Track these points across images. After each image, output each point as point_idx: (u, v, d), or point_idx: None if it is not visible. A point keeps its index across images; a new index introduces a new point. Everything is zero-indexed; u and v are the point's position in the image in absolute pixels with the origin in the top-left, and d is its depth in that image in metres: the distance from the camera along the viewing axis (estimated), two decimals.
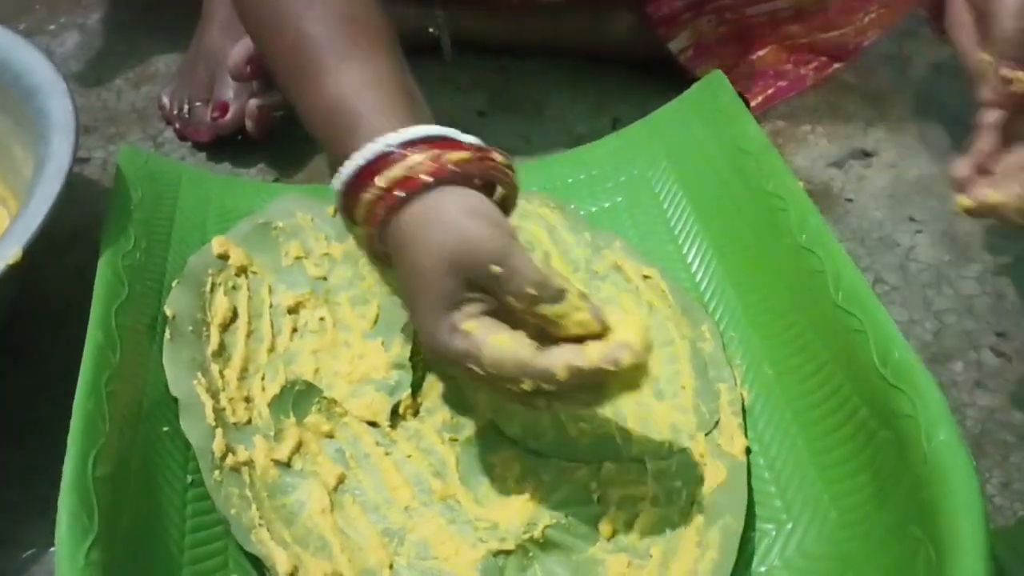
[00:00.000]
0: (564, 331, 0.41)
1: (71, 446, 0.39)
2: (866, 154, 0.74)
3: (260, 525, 0.45)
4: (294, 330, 0.55)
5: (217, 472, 0.46)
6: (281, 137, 0.72)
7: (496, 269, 0.40)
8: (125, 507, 0.40)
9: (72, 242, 0.62)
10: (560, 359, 0.39)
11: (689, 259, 0.61)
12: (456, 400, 0.52)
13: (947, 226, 0.68)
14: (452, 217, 0.42)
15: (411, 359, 0.53)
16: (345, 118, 0.46)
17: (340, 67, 0.47)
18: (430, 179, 0.43)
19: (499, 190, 0.47)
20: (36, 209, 0.49)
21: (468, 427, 0.51)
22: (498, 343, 0.40)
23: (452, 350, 0.42)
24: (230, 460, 0.47)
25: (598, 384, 0.40)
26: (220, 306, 0.53)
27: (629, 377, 0.40)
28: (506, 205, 0.48)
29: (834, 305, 0.48)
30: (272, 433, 0.49)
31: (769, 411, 0.51)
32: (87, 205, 0.65)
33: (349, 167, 0.45)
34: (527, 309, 0.41)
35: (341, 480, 0.49)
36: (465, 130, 0.46)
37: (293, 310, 0.56)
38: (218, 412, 0.48)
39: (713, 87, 0.65)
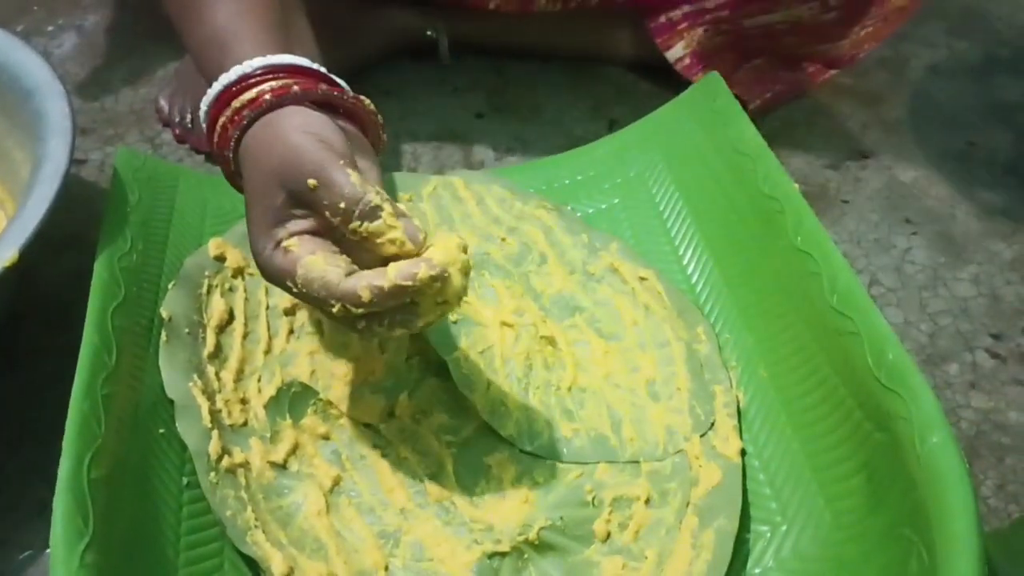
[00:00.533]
0: (382, 251, 0.41)
1: (66, 448, 0.39)
2: (863, 156, 0.74)
3: (256, 527, 0.45)
4: (291, 332, 0.55)
5: (213, 474, 0.46)
6: None
7: (312, 182, 0.41)
8: (121, 509, 0.40)
9: (69, 244, 0.62)
10: (364, 280, 0.40)
11: (685, 261, 0.61)
12: (452, 402, 0.52)
13: (943, 228, 0.68)
14: (284, 133, 0.43)
15: (407, 361, 0.53)
16: (218, 47, 0.47)
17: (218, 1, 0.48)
18: (272, 98, 0.44)
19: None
20: (32, 211, 0.49)
21: (464, 429, 0.51)
22: (311, 263, 0.41)
23: (273, 267, 0.42)
24: (226, 462, 0.47)
25: (409, 304, 0.41)
26: (216, 308, 0.54)
27: (440, 295, 0.40)
28: (373, 144, 0.49)
29: (829, 307, 0.48)
30: (268, 435, 0.49)
31: (764, 413, 0.51)
32: (84, 207, 0.65)
33: (212, 92, 0.46)
34: (344, 226, 0.41)
35: (337, 482, 0.49)
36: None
37: (290, 312, 0.56)
38: (214, 414, 0.48)
39: (710, 89, 0.65)
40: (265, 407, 0.50)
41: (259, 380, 0.52)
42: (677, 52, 0.74)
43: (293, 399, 0.51)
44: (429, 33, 0.79)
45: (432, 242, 0.41)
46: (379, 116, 0.49)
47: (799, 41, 0.72)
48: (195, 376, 0.49)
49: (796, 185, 0.54)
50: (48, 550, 0.47)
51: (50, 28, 0.86)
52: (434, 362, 0.53)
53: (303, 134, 0.42)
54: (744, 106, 0.63)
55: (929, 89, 0.81)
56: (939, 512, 0.37)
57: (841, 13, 0.70)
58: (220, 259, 0.56)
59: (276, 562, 0.43)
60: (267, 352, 0.54)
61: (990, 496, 0.52)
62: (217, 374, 0.51)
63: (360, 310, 0.40)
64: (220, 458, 0.46)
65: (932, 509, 0.38)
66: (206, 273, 0.55)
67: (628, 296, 0.58)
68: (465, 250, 0.41)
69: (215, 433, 0.47)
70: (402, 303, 0.40)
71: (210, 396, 0.49)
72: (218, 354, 0.52)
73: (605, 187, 0.67)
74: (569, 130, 0.76)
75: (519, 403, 0.52)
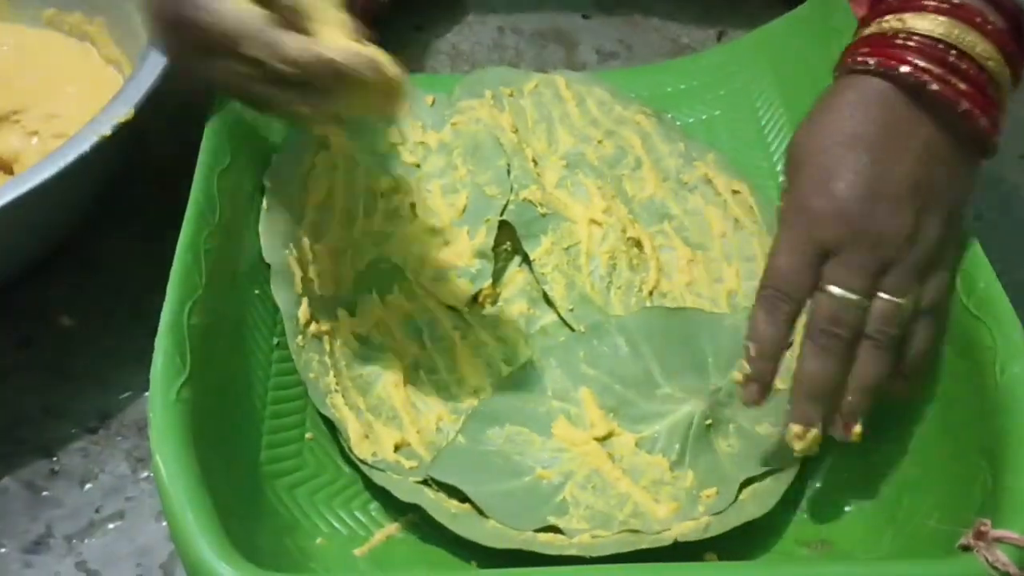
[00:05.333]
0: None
1: (169, 294, 0.41)
2: None
3: (336, 391, 0.47)
4: (385, 214, 0.57)
5: (300, 337, 0.48)
6: (384, 27, 0.72)
7: None
8: (215, 357, 0.43)
9: (182, 113, 0.64)
10: (293, 38, 0.38)
11: (781, 178, 0.60)
12: (535, 293, 0.53)
13: None
14: None
15: (495, 249, 0.54)
16: None
17: None
18: None
19: None
20: (148, 72, 0.51)
21: (543, 319, 0.52)
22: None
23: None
24: (313, 328, 0.49)
25: (328, 85, 0.39)
26: (316, 183, 0.55)
27: (361, 92, 0.39)
28: None
29: None
30: (355, 308, 0.51)
31: None
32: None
33: None
34: None
35: (416, 358, 0.50)
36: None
37: (385, 194, 0.57)
38: (306, 282, 0.50)
39: (827, 5, 0.63)
40: (354, 282, 0.52)
41: (351, 256, 0.54)
42: None
43: (381, 276, 0.53)
44: None
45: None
46: None
47: None
48: (291, 245, 0.51)
49: None
50: (146, 392, 0.50)
51: None
52: (521, 252, 0.54)
53: None
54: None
55: None
56: (1011, 440, 0.37)
57: None
58: (323, 137, 0.58)
59: (352, 425, 0.45)
60: (361, 231, 0.55)
61: None
62: (312, 246, 0.53)
63: (279, 65, 0.38)
64: (308, 323, 0.48)
65: (1004, 437, 0.38)
66: (309, 149, 0.56)
67: (719, 207, 0.58)
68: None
69: (305, 300, 0.49)
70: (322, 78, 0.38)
71: (304, 265, 0.51)
72: (315, 227, 0.54)
73: (708, 98, 0.66)
74: (676, 37, 0.74)
75: (599, 301, 0.53)
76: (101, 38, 0.65)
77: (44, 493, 0.48)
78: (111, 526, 0.46)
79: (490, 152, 0.58)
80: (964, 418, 0.42)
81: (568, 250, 0.54)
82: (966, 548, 0.34)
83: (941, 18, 0.42)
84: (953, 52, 0.41)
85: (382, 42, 0.40)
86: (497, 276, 0.54)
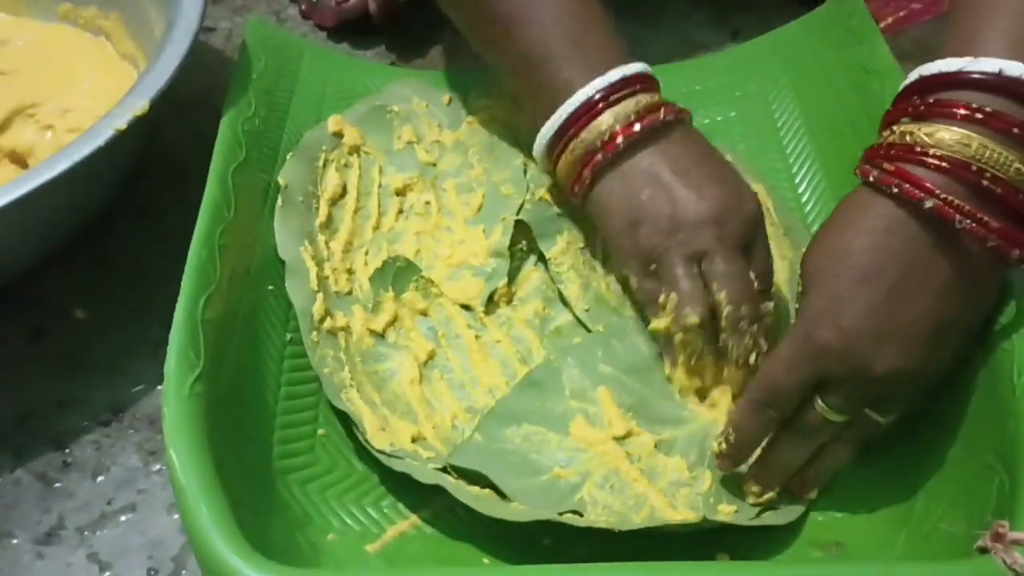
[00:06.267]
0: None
1: (184, 289, 0.42)
2: None
3: (351, 386, 0.47)
4: (400, 211, 0.57)
5: (315, 333, 0.48)
6: (401, 24, 0.72)
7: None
8: (229, 352, 0.43)
9: (194, 106, 0.65)
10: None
11: (797, 179, 0.60)
12: (549, 292, 0.53)
13: None
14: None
15: (510, 248, 0.54)
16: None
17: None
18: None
19: None
20: (163, 67, 0.51)
21: (557, 319, 0.52)
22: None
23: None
24: (328, 324, 0.49)
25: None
26: (331, 181, 0.55)
27: None
28: None
29: None
30: (370, 305, 0.51)
31: None
32: (210, 73, 0.67)
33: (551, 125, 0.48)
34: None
35: (431, 356, 0.50)
36: None
37: (400, 192, 0.57)
38: (321, 279, 0.50)
39: (846, 6, 0.63)
40: (370, 279, 0.52)
41: (366, 254, 0.54)
42: None
43: (397, 274, 0.52)
44: None
45: None
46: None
47: None
48: (306, 242, 0.51)
49: None
50: (158, 386, 0.51)
51: None
52: (537, 251, 0.54)
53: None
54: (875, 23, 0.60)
55: None
56: None
57: None
58: (338, 135, 0.58)
59: (368, 418, 0.45)
60: (376, 228, 0.55)
61: None
62: (327, 243, 0.53)
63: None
64: (323, 319, 0.49)
65: (1021, 439, 0.37)
66: (323, 147, 0.57)
67: None
68: None
69: (320, 296, 0.49)
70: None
71: (319, 263, 0.51)
72: (329, 225, 0.54)
73: (723, 99, 0.66)
74: (689, 37, 0.74)
75: (614, 301, 0.52)
76: (116, 33, 0.65)
77: (56, 485, 0.48)
78: (123, 518, 0.46)
79: (506, 151, 0.58)
80: (979, 420, 0.41)
81: (584, 250, 0.54)
82: (983, 550, 0.34)
83: (972, 132, 0.38)
84: (987, 176, 0.38)
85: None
86: (512, 275, 0.53)
